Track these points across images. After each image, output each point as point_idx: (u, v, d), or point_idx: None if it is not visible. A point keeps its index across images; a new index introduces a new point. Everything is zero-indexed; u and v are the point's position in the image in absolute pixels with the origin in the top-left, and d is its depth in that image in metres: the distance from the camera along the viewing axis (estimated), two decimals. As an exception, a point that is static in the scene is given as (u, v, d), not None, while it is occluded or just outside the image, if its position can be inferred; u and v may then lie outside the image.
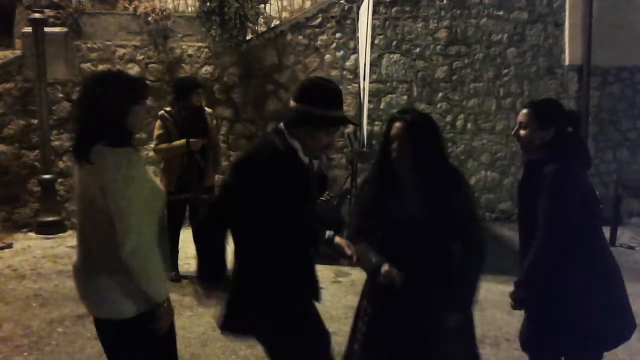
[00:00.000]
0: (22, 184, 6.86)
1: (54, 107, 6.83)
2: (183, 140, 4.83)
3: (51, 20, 6.81)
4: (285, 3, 7.79)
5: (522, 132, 2.59)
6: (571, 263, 2.43)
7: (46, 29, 6.63)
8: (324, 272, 4.98)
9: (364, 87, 6.23)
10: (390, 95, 7.41)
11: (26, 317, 4.35)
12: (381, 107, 7.37)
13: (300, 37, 7.21)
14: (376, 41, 7.22)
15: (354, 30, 6.95)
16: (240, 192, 2.17)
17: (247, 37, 7.10)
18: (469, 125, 7.59)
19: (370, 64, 6.52)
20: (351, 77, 7.17)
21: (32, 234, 6.65)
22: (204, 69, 7.09)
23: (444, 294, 2.32)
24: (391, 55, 7.38)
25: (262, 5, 7.17)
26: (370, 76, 6.52)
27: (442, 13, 7.41)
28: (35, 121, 6.68)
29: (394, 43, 7.37)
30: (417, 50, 7.41)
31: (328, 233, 2.37)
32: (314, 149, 2.27)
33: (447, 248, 2.41)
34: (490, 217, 7.58)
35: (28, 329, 4.14)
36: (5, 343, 3.92)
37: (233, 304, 2.28)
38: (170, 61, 7.00)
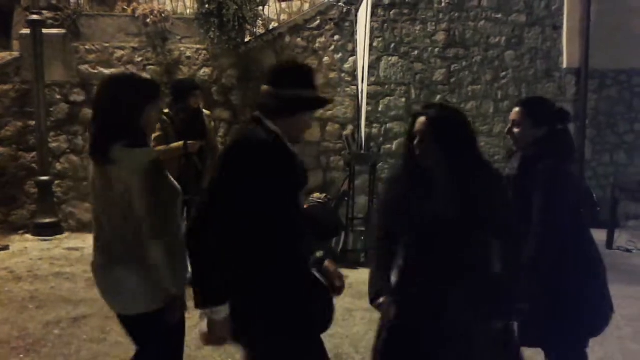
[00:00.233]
0: (19, 186, 6.84)
1: (51, 109, 6.82)
2: (181, 143, 4.81)
3: (49, 21, 6.80)
4: (284, 5, 7.80)
5: (515, 129, 2.68)
6: (567, 261, 2.50)
7: (44, 31, 6.62)
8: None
9: (362, 90, 6.23)
10: (388, 98, 7.41)
11: (22, 319, 4.33)
12: (379, 109, 7.37)
13: (299, 39, 7.20)
14: (374, 44, 7.22)
15: (353, 33, 6.95)
16: (229, 180, 2.02)
17: (246, 40, 7.08)
18: (467, 128, 7.58)
19: (369, 67, 6.52)
20: (349, 79, 7.16)
21: (29, 236, 6.63)
22: (202, 71, 7.09)
23: (484, 301, 2.13)
24: (389, 58, 7.38)
25: (261, 8, 7.16)
26: (368, 78, 6.52)
27: (441, 16, 7.41)
28: (33, 123, 6.67)
29: (392, 46, 7.37)
30: (416, 52, 7.41)
31: (318, 254, 2.23)
32: (296, 131, 2.17)
33: (485, 251, 2.23)
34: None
35: (24, 331, 4.13)
36: (2, 345, 3.90)
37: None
38: (169, 63, 6.99)
